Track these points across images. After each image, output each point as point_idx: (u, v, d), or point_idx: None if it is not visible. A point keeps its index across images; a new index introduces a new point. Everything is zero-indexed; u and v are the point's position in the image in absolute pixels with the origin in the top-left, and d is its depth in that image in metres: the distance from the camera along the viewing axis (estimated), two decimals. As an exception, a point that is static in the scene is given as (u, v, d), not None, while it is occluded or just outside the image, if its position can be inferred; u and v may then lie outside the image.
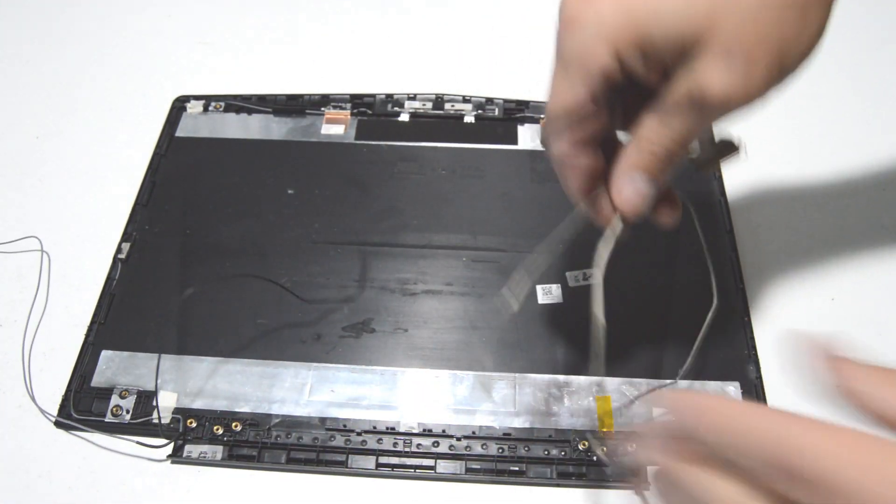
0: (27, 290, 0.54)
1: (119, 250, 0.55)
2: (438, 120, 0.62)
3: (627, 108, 0.39)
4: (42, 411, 0.48)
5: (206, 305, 0.52)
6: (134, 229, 0.56)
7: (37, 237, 0.57)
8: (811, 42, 0.34)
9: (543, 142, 0.40)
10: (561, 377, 0.49)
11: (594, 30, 0.34)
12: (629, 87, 0.37)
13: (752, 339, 0.51)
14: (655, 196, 0.39)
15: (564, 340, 0.51)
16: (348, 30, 0.71)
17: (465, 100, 0.63)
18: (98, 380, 0.49)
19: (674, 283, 0.53)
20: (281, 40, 0.71)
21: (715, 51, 0.33)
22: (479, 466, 0.46)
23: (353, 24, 0.72)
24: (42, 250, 0.56)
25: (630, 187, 0.38)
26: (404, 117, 0.62)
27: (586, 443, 0.47)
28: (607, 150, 0.40)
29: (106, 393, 0.49)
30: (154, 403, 0.48)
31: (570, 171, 0.40)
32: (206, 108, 0.63)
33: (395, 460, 0.46)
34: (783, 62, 0.34)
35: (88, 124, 0.64)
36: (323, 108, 0.63)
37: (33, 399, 0.49)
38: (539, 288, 0.53)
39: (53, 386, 0.49)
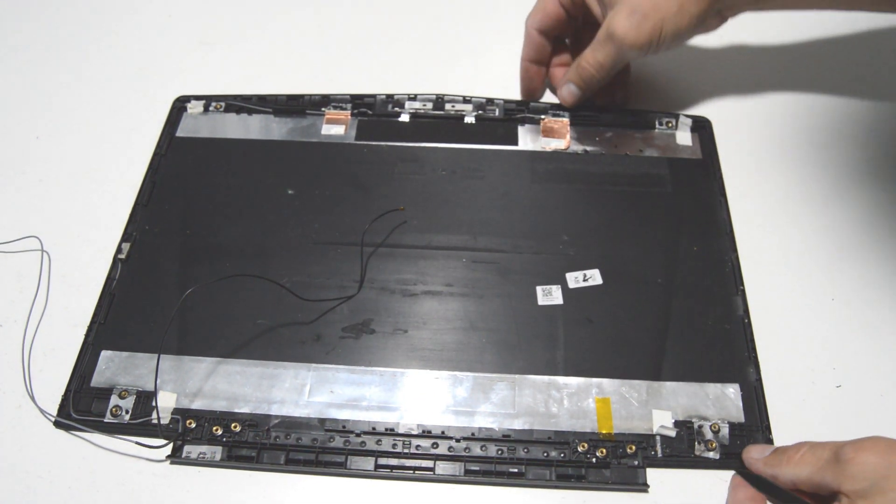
0: (27, 289, 0.54)
1: (119, 250, 0.55)
2: (439, 120, 0.62)
3: (576, 45, 0.63)
4: (41, 411, 0.48)
5: (206, 305, 0.52)
6: (134, 229, 0.56)
7: (37, 237, 0.57)
8: (681, 27, 0.53)
9: (525, 22, 0.61)
10: (560, 379, 0.49)
11: None
12: (584, 29, 0.61)
13: (752, 340, 0.51)
14: (583, 98, 0.61)
15: (564, 342, 0.51)
16: (349, 30, 0.71)
17: (466, 100, 0.63)
18: (97, 380, 0.49)
19: (673, 284, 0.53)
20: (281, 40, 0.70)
21: (626, 6, 0.53)
22: (478, 468, 0.46)
23: (354, 25, 0.72)
24: (42, 250, 0.56)
25: (566, 89, 0.61)
26: (405, 118, 0.62)
27: (585, 444, 0.47)
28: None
29: (105, 393, 0.49)
30: (153, 404, 0.47)
31: (526, 43, 0.62)
32: (206, 109, 0.63)
33: (394, 461, 0.46)
34: (662, 30, 0.53)
35: (89, 124, 0.64)
36: (323, 109, 0.63)
37: (33, 399, 0.49)
38: (539, 289, 0.53)
39: (53, 386, 0.50)
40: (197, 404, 0.48)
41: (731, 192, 0.58)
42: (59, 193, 0.60)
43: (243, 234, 0.56)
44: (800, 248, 0.57)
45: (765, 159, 0.61)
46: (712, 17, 0.55)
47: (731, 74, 0.67)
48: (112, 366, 0.50)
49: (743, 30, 0.61)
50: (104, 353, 0.51)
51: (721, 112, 0.64)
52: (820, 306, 0.54)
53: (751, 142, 0.62)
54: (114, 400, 0.48)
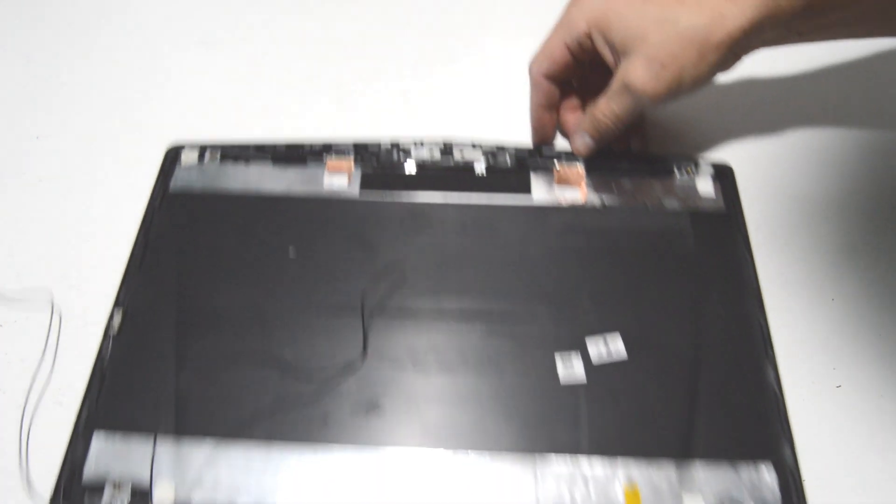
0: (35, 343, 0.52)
1: (110, 319, 0.52)
2: (447, 171, 0.59)
3: (584, 88, 0.60)
4: (33, 493, 0.45)
5: (204, 383, 0.49)
6: (126, 296, 0.53)
7: (49, 290, 0.54)
8: (701, 75, 0.50)
9: (529, 68, 0.58)
10: (585, 461, 0.46)
11: (583, 10, 0.54)
12: (592, 72, 0.58)
13: (785, 412, 0.48)
14: (597, 148, 0.57)
15: (588, 420, 0.48)
16: (351, 73, 0.67)
17: (475, 146, 0.59)
18: (90, 470, 0.46)
19: (699, 351, 0.50)
20: (279, 84, 0.67)
21: (642, 55, 0.50)
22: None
23: (358, 70, 0.68)
24: (52, 305, 0.53)
25: (580, 140, 0.58)
26: (411, 167, 0.59)
27: None
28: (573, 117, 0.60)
29: (98, 488, 0.45)
30: (150, 501, 0.44)
31: (534, 90, 0.59)
32: (201, 158, 0.60)
33: (410, 564, 0.43)
34: (681, 80, 0.50)
35: (83, 175, 0.61)
36: (325, 156, 0.59)
37: (28, 484, 0.46)
38: (558, 358, 0.50)
39: (50, 468, 0.46)
40: (197, 497, 0.45)
41: (756, 246, 0.55)
42: (65, 243, 0.57)
43: (242, 300, 0.53)
44: (830, 300, 0.54)
45: (790, 206, 0.58)
46: (731, 59, 0.52)
47: (752, 112, 0.63)
48: (105, 453, 0.47)
49: (764, 62, 0.58)
50: (97, 437, 0.47)
51: (743, 154, 0.61)
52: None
53: (775, 187, 0.59)
54: (108, 494, 0.45)
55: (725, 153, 0.61)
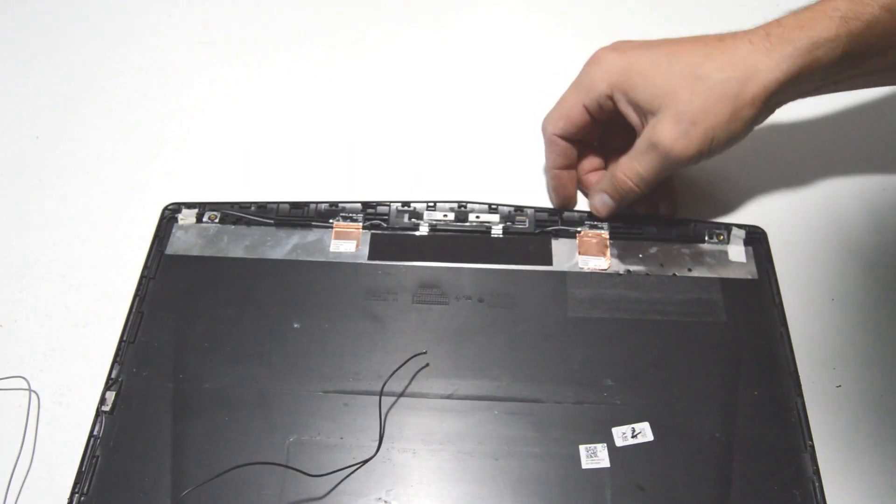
0: (13, 431, 0.48)
1: (103, 401, 0.49)
2: (462, 234, 0.55)
3: (605, 146, 0.57)
4: None
5: (203, 479, 0.46)
6: (120, 373, 0.50)
7: (24, 377, 0.50)
8: (735, 132, 0.47)
9: (542, 127, 0.55)
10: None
11: (603, 69, 0.50)
12: (613, 131, 0.55)
13: (825, 507, 0.45)
14: (618, 210, 0.54)
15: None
16: (360, 132, 0.64)
17: (492, 209, 0.56)
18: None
19: (732, 438, 0.47)
20: (283, 141, 0.63)
21: (670, 113, 0.47)
22: None
23: (367, 127, 0.64)
24: (30, 390, 0.50)
25: (599, 201, 0.54)
26: (423, 230, 0.55)
27: None
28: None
29: None
30: None
31: (550, 149, 0.55)
32: (199, 219, 0.56)
33: None
34: (713, 138, 0.47)
35: (78, 231, 0.58)
36: (331, 220, 0.56)
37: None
38: (582, 449, 0.47)
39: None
40: None
41: (792, 319, 0.52)
42: (44, 329, 0.53)
43: (243, 378, 0.49)
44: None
45: (829, 273, 0.55)
46: (765, 113, 0.49)
47: (789, 168, 0.60)
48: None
49: (798, 111, 0.55)
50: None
51: (777, 216, 0.57)
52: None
53: (812, 252, 0.56)
54: None
55: (761, 214, 0.57)
